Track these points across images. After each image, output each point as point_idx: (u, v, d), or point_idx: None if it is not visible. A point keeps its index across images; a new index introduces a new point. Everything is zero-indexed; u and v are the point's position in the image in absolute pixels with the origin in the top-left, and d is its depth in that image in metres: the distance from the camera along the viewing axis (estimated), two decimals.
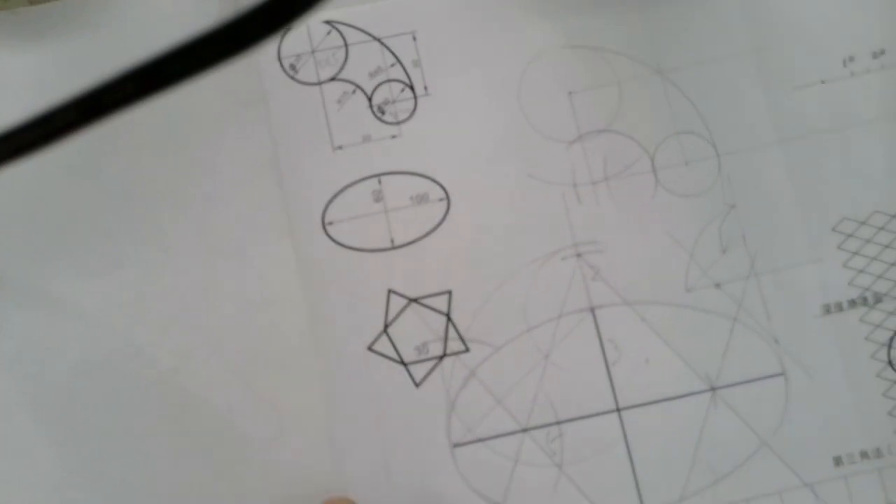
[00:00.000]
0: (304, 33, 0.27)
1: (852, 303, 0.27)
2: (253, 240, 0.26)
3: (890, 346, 0.27)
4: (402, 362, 0.26)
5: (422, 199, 0.27)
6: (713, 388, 0.26)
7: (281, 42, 0.27)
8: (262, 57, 0.27)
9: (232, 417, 0.25)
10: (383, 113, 0.27)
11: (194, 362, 0.25)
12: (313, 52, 0.27)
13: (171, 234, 0.26)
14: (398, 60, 0.28)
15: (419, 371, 0.26)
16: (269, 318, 0.26)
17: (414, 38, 0.28)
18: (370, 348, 0.26)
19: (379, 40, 0.28)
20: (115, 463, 0.25)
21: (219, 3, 0.27)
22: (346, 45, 0.27)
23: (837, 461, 0.26)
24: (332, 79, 0.27)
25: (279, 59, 0.27)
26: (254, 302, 0.26)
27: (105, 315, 0.26)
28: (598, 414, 0.26)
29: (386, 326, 0.26)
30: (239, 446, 0.25)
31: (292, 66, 0.27)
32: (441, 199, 0.27)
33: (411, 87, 0.27)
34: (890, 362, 0.27)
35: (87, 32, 0.27)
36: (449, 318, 0.26)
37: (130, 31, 0.27)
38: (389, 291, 0.26)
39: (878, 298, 0.27)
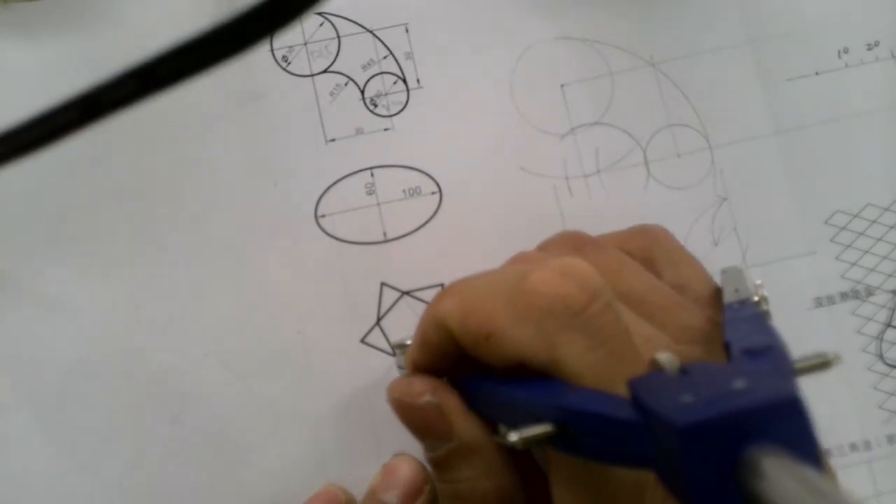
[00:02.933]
0: (296, 25, 0.27)
1: (844, 296, 0.27)
2: (249, 236, 0.26)
3: (881, 340, 0.27)
4: (395, 355, 0.26)
5: (414, 192, 0.27)
6: None
7: (273, 34, 0.27)
8: (255, 49, 0.27)
9: (227, 414, 0.25)
10: (376, 105, 0.27)
11: (190, 361, 0.25)
12: (305, 43, 0.27)
13: (167, 232, 0.26)
14: (391, 53, 0.27)
15: None
16: (265, 315, 0.26)
17: (406, 31, 0.27)
18: (363, 341, 0.26)
19: (371, 32, 0.27)
20: (111, 462, 0.25)
21: (216, 3, 0.27)
22: (338, 36, 0.27)
23: (827, 454, 0.26)
24: (325, 71, 0.27)
25: (271, 51, 0.27)
26: (250, 299, 0.26)
27: (101, 314, 0.25)
28: None
29: (378, 319, 0.26)
30: (234, 443, 0.25)
31: (284, 58, 0.27)
32: (433, 193, 0.27)
33: (404, 80, 0.27)
34: (881, 355, 0.27)
35: (83, 29, 0.27)
36: None
37: (128, 29, 0.27)
38: (382, 284, 0.26)
39: (870, 292, 0.27)
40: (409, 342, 0.23)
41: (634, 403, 0.14)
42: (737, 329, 0.19)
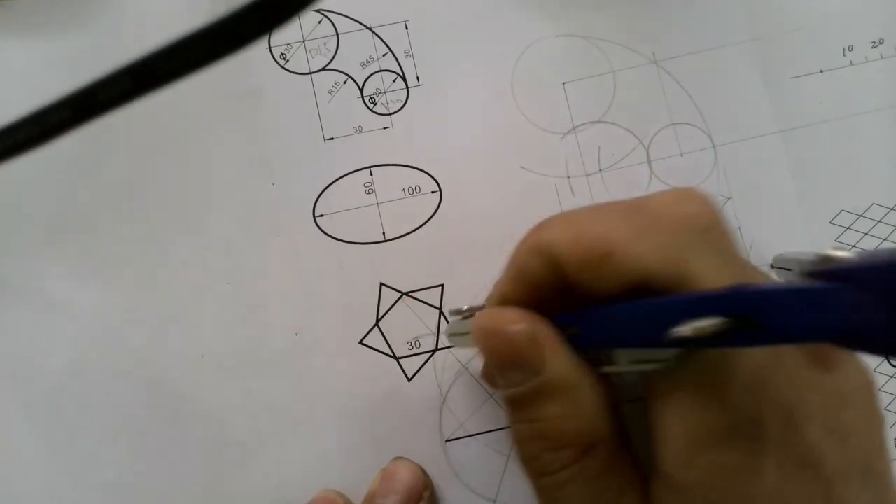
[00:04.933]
0: (294, 22, 0.27)
1: None
2: (246, 236, 0.26)
3: None
4: (394, 356, 0.26)
5: (414, 191, 0.26)
6: None
7: (270, 32, 0.27)
8: (251, 47, 0.27)
9: (225, 416, 0.25)
10: (375, 104, 0.27)
11: (187, 362, 0.25)
12: (304, 41, 0.27)
13: (164, 232, 0.26)
14: (390, 50, 0.27)
15: (411, 365, 0.26)
16: (262, 316, 0.26)
17: (406, 28, 0.27)
18: (362, 342, 0.26)
19: (370, 29, 0.27)
20: (107, 463, 0.25)
21: (212, 1, 0.26)
22: (337, 34, 0.27)
23: None
24: (323, 69, 0.27)
25: (269, 48, 0.27)
26: (247, 299, 0.26)
27: (98, 315, 0.25)
28: None
29: (378, 320, 0.26)
30: (232, 445, 0.25)
31: (283, 56, 0.27)
32: (433, 192, 0.27)
33: (403, 78, 0.27)
34: (887, 357, 0.26)
35: (79, 26, 0.26)
36: (441, 312, 0.26)
37: (123, 26, 0.27)
38: (381, 285, 0.26)
39: None
40: (465, 307, 0.22)
41: (826, 276, 0.14)
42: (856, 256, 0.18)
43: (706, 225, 0.16)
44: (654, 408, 0.18)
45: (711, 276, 0.16)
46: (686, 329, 0.14)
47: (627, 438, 0.19)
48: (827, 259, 0.15)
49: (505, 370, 0.19)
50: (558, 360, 0.18)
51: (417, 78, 0.27)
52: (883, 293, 0.13)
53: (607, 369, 0.19)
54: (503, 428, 0.25)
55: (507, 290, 0.20)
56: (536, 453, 0.19)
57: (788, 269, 0.22)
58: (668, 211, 0.17)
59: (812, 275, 0.14)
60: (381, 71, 0.27)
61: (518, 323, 0.19)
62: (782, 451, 0.16)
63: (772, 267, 0.23)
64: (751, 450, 0.16)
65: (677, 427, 0.17)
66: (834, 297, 0.14)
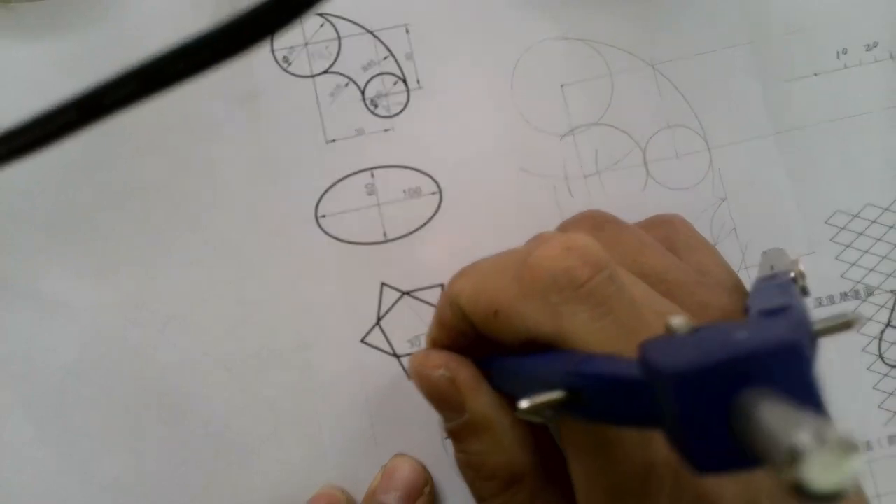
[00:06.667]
0: (296, 25, 0.27)
1: (844, 296, 0.27)
2: (249, 237, 0.26)
3: (881, 339, 0.27)
4: (395, 355, 0.26)
5: (414, 192, 0.27)
6: None
7: (274, 34, 0.27)
8: (255, 50, 0.27)
9: (226, 415, 0.25)
10: (376, 106, 0.27)
11: (189, 361, 0.25)
12: (306, 44, 0.27)
13: (167, 232, 0.26)
14: (391, 53, 0.27)
15: None
16: (264, 316, 0.26)
17: (407, 31, 0.28)
18: (363, 341, 0.26)
19: (372, 33, 0.27)
20: (109, 463, 0.25)
21: (217, 4, 0.27)
22: (338, 37, 0.27)
23: None
24: (325, 72, 0.27)
25: (272, 51, 0.27)
26: (249, 299, 0.26)
27: (99, 315, 0.25)
28: None
29: (379, 319, 0.26)
30: (234, 444, 0.25)
31: (285, 59, 0.27)
32: (434, 193, 0.27)
33: (404, 81, 0.27)
34: (881, 355, 0.27)
35: (84, 30, 0.27)
36: None
37: (127, 28, 0.27)
38: (382, 284, 0.26)
39: (870, 292, 0.27)
40: None
41: (640, 362, 0.14)
42: (760, 296, 0.18)
43: (582, 279, 0.17)
44: (565, 455, 0.18)
45: (583, 333, 0.17)
46: (525, 402, 0.15)
47: (562, 472, 0.20)
48: (667, 327, 0.15)
49: (436, 409, 0.21)
50: (478, 401, 0.20)
51: (418, 81, 0.27)
52: (666, 394, 0.12)
53: (516, 413, 0.20)
54: None
55: (434, 336, 0.22)
56: (472, 481, 0.20)
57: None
58: (548, 266, 0.17)
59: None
60: (382, 74, 0.27)
61: (440, 368, 0.20)
62: (675, 500, 0.16)
63: (763, 254, 0.24)
64: (643, 501, 0.16)
65: (580, 477, 0.18)
66: (645, 389, 0.13)
